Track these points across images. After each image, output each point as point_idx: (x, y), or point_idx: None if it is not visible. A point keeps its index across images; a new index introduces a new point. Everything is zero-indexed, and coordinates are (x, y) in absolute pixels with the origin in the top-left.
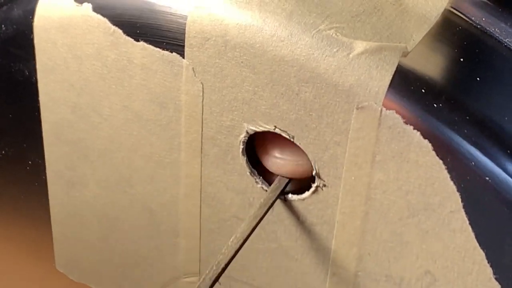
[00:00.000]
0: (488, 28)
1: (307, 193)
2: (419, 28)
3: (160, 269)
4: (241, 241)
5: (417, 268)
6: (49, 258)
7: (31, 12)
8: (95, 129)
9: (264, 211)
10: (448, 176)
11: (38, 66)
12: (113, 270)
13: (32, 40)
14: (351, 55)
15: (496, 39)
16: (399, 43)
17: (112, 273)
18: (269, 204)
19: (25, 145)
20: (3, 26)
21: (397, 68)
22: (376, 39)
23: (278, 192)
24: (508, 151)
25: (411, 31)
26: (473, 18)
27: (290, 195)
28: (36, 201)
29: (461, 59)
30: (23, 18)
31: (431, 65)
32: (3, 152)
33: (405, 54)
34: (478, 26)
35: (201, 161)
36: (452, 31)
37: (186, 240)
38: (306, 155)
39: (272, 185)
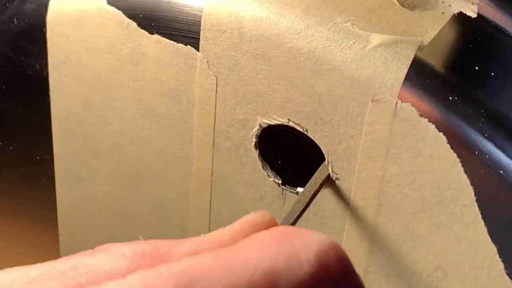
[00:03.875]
0: (501, 24)
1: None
2: (434, 23)
3: None
4: None
5: (429, 262)
6: (54, 254)
7: (44, 6)
8: (106, 123)
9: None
10: (462, 169)
11: (49, 60)
12: None
13: (44, 34)
14: (367, 48)
15: (509, 35)
16: (415, 37)
17: None
18: (311, 194)
19: (33, 140)
20: (15, 19)
21: (413, 61)
22: (392, 32)
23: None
24: None
25: (427, 26)
26: (487, 14)
27: (301, 189)
28: (43, 196)
29: (476, 54)
30: (36, 11)
31: (446, 59)
32: (11, 147)
33: (421, 48)
34: (492, 22)
35: (213, 155)
36: (466, 27)
37: (195, 235)
38: None
39: (314, 175)
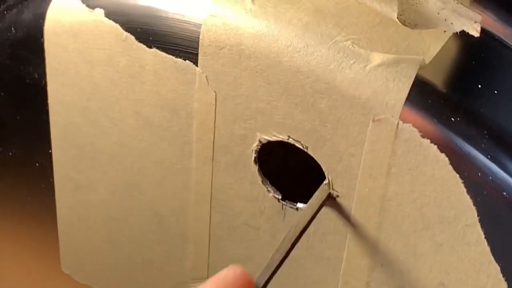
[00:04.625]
0: (505, 39)
1: None
2: (436, 40)
3: (167, 274)
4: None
5: (431, 280)
6: (54, 259)
7: (42, 16)
8: (104, 133)
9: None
10: (464, 190)
11: (47, 70)
12: (119, 272)
13: (42, 43)
14: (368, 67)
15: None
16: (416, 55)
17: (118, 275)
18: (312, 213)
19: (32, 147)
20: (12, 28)
21: (414, 80)
22: (393, 51)
23: (321, 201)
24: None
25: (428, 43)
26: (490, 30)
27: (301, 205)
28: (42, 202)
29: (479, 72)
30: (33, 21)
31: (449, 77)
32: (10, 153)
33: (422, 67)
34: (495, 36)
35: (212, 168)
36: (469, 43)
37: (195, 246)
38: None
39: (314, 195)
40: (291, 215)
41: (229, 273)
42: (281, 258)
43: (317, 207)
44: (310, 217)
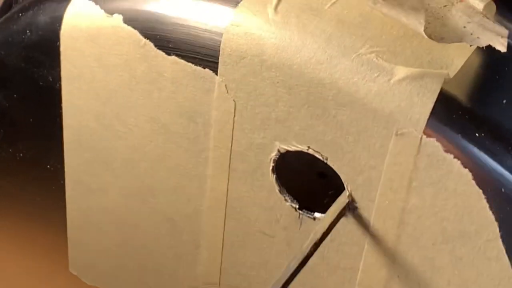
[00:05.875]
0: None
1: None
2: (460, 53)
3: (178, 278)
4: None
5: None
6: (62, 260)
7: (59, 20)
8: (119, 138)
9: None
10: (487, 206)
11: (62, 73)
12: (128, 275)
13: (58, 47)
14: (392, 81)
15: None
16: (441, 69)
17: (127, 278)
18: (330, 223)
19: (44, 149)
20: (28, 31)
21: (438, 95)
22: (417, 64)
23: (339, 212)
24: None
25: (452, 56)
26: None
27: (319, 214)
28: (52, 204)
29: (503, 87)
30: (49, 24)
31: (473, 92)
32: (21, 154)
33: (446, 81)
34: None
35: (229, 176)
36: (493, 57)
37: (208, 251)
38: None
39: (333, 205)
40: (308, 224)
41: None
42: (297, 266)
43: (335, 217)
44: (328, 227)
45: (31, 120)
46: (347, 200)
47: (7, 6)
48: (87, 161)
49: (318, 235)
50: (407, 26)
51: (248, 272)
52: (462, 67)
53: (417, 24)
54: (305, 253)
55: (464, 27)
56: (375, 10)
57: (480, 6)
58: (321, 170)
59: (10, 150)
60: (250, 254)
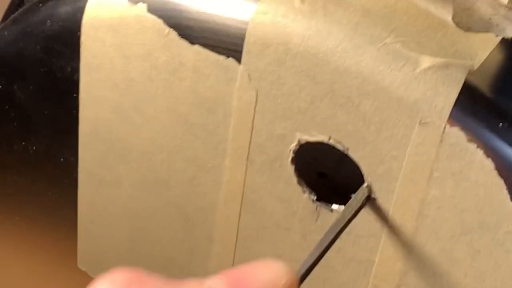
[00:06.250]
0: None
1: None
2: (484, 46)
3: (189, 273)
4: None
5: (464, 286)
6: (71, 255)
7: (81, 10)
8: (136, 130)
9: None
10: (508, 196)
11: (82, 64)
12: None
13: (78, 38)
14: (417, 70)
15: None
16: (465, 60)
17: None
18: (351, 215)
19: (58, 141)
20: (48, 21)
21: (463, 85)
22: (442, 54)
23: (360, 204)
24: None
25: (476, 48)
26: None
27: (337, 206)
28: (63, 198)
29: None
30: (71, 15)
31: (497, 83)
32: (34, 147)
33: (471, 72)
34: None
35: (246, 168)
36: None
37: (221, 246)
38: None
39: (353, 197)
40: (325, 217)
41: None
42: (314, 259)
43: (356, 209)
44: (348, 219)
45: (46, 112)
46: (367, 193)
47: (18, 2)
48: (102, 153)
49: (337, 228)
50: (432, 17)
51: None
52: (486, 59)
53: (445, 13)
54: (323, 246)
55: (490, 18)
56: (402, 2)
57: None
58: (321, 170)
59: (23, 143)
60: (264, 247)
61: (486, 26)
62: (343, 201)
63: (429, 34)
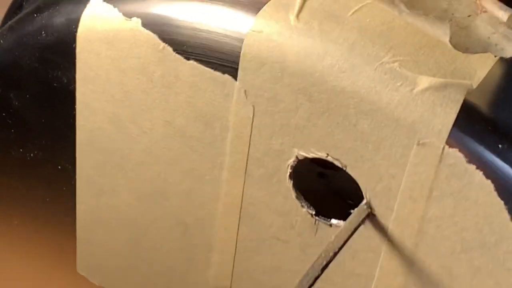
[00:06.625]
0: None
1: None
2: (483, 64)
3: (189, 281)
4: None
5: None
6: (70, 261)
7: (75, 22)
8: (132, 141)
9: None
10: (509, 217)
11: (77, 75)
12: (138, 277)
13: (74, 49)
14: (415, 91)
15: None
16: (463, 79)
17: (137, 280)
18: (351, 232)
19: (55, 150)
20: (43, 32)
21: (461, 105)
22: (440, 74)
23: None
24: None
25: (475, 67)
26: None
27: (336, 221)
28: (62, 205)
29: None
30: (65, 26)
31: (496, 103)
32: (32, 154)
33: (469, 91)
34: None
35: (244, 181)
36: None
37: (220, 256)
38: None
39: (352, 214)
40: (324, 231)
41: None
42: (316, 275)
43: (355, 226)
44: (348, 235)
45: (43, 120)
46: (367, 211)
47: (18, 5)
48: (99, 162)
49: (337, 244)
50: (430, 35)
51: (260, 277)
52: (484, 78)
53: (443, 34)
54: (322, 262)
55: (489, 37)
56: (399, 19)
57: (504, 17)
58: (321, 170)
59: (21, 150)
60: (263, 259)
61: (484, 46)
62: (343, 201)
63: (427, 52)
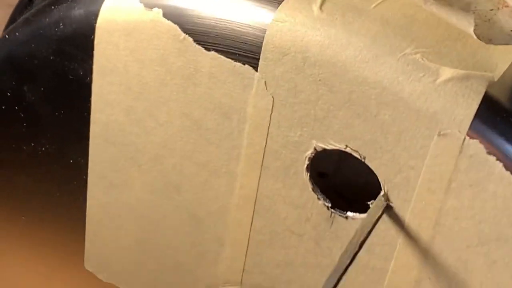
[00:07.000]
0: None
1: None
2: (503, 57)
3: (199, 276)
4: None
5: None
6: (77, 256)
7: (95, 13)
8: (148, 134)
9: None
10: None
11: (95, 67)
12: (147, 272)
13: (92, 41)
14: (437, 81)
15: None
16: (485, 71)
17: (146, 275)
18: (372, 224)
19: (68, 143)
20: (61, 24)
21: (483, 97)
22: (462, 66)
23: (379, 213)
24: None
25: (496, 60)
26: None
27: (352, 213)
28: (72, 199)
29: None
30: (84, 18)
31: None
32: (43, 148)
33: (491, 84)
34: None
35: (260, 174)
36: None
37: (232, 250)
38: None
39: (372, 206)
40: (339, 223)
41: None
42: (339, 274)
43: (376, 218)
44: (370, 227)
45: (56, 114)
46: (385, 202)
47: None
48: (112, 156)
49: (360, 238)
50: (453, 27)
51: (272, 271)
52: (506, 71)
53: (467, 23)
54: (348, 259)
55: (511, 30)
56: (421, 13)
57: None
58: (321, 170)
59: (32, 144)
60: (276, 252)
61: (506, 39)
62: (343, 201)
63: (449, 44)
